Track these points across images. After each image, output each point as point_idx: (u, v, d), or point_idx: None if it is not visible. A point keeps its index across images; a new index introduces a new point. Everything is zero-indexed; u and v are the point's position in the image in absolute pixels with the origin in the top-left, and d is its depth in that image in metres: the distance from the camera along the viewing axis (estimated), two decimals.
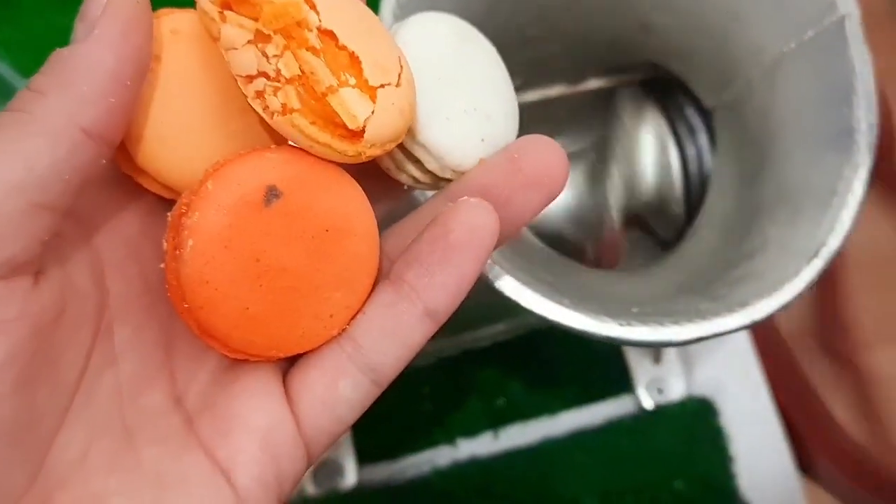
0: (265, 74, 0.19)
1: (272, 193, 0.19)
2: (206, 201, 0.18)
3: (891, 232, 0.46)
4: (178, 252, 0.18)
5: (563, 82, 0.41)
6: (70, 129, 0.18)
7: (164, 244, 0.19)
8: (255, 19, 0.18)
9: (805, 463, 0.46)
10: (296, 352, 0.20)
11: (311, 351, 0.21)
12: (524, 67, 0.39)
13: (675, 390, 0.44)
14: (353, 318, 0.20)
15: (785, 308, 0.31)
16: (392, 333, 0.20)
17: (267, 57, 0.18)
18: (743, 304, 0.30)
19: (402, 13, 0.32)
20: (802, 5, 0.34)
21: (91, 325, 0.20)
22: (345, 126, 0.19)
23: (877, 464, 0.44)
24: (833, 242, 0.31)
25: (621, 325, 0.30)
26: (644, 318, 0.30)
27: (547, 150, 0.21)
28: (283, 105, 0.19)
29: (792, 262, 0.31)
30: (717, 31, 0.35)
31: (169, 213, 0.19)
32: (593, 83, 0.41)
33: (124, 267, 0.21)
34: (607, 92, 0.41)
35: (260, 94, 0.19)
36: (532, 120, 0.44)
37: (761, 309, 0.30)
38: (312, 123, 0.19)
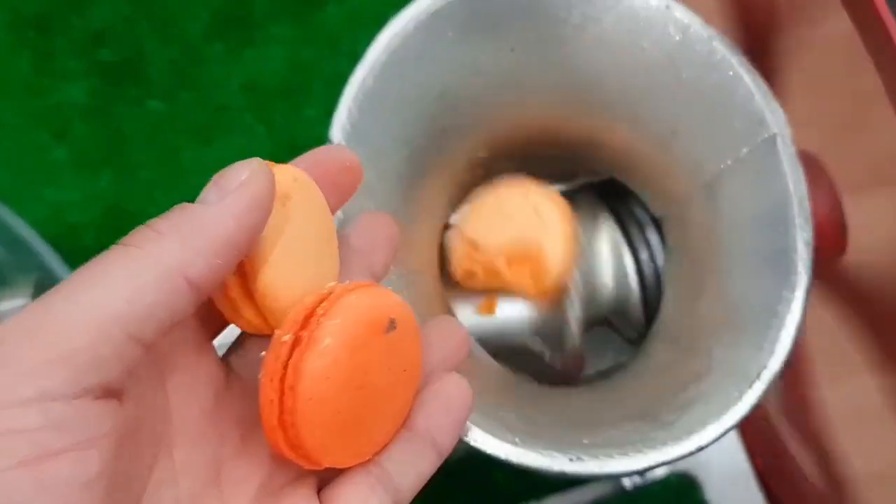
0: None
1: (392, 325, 0.23)
2: (350, 311, 0.22)
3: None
4: (308, 345, 0.21)
5: None
6: (175, 274, 0.19)
7: (277, 338, 0.21)
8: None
9: None
10: (341, 465, 0.23)
11: (342, 474, 0.24)
12: (479, 183, 0.41)
13: (657, 471, 0.46)
14: (381, 449, 0.24)
15: (729, 430, 0.32)
16: (410, 463, 0.24)
17: None
18: (690, 431, 0.31)
19: (354, 132, 0.34)
20: (735, 122, 0.34)
21: (155, 444, 0.21)
22: None
23: None
24: (774, 365, 0.32)
25: (571, 460, 0.31)
26: (594, 450, 0.31)
27: (455, 327, 0.28)
28: None
29: (736, 385, 0.32)
30: (659, 146, 0.36)
31: (292, 313, 0.22)
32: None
33: (184, 393, 0.23)
34: (565, 194, 0.42)
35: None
36: None
37: (708, 435, 0.31)
38: None
